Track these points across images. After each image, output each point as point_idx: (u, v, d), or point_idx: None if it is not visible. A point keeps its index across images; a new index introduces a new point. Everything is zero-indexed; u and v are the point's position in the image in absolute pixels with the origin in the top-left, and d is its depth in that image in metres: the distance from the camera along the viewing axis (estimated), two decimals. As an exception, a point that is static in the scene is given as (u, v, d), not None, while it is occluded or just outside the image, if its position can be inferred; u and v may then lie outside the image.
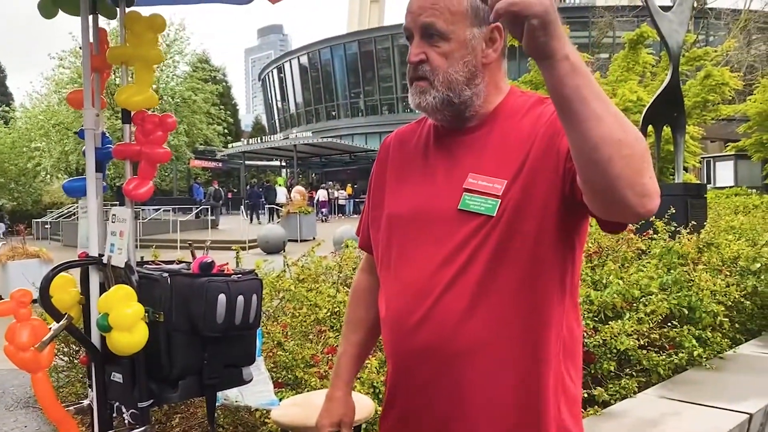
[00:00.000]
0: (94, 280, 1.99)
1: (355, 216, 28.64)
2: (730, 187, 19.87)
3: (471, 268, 1.22)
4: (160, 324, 1.86)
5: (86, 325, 2.05)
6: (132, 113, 1.96)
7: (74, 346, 4.09)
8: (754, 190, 18.46)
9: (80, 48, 2.03)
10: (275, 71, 48.93)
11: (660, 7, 7.85)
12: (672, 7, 7.87)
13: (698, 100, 13.01)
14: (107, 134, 2.12)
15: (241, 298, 1.91)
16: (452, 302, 1.22)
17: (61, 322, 1.89)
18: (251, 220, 25.77)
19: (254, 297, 1.96)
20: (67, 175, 29.46)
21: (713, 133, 24.79)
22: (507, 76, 1.36)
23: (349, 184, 32.95)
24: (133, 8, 2.10)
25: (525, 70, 15.95)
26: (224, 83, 45.20)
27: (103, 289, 1.99)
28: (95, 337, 1.98)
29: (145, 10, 2.04)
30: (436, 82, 1.25)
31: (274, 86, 49.56)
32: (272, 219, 25.70)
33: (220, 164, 40.27)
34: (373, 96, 40.58)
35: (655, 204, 0.99)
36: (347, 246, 5.55)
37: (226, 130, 34.53)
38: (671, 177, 9.24)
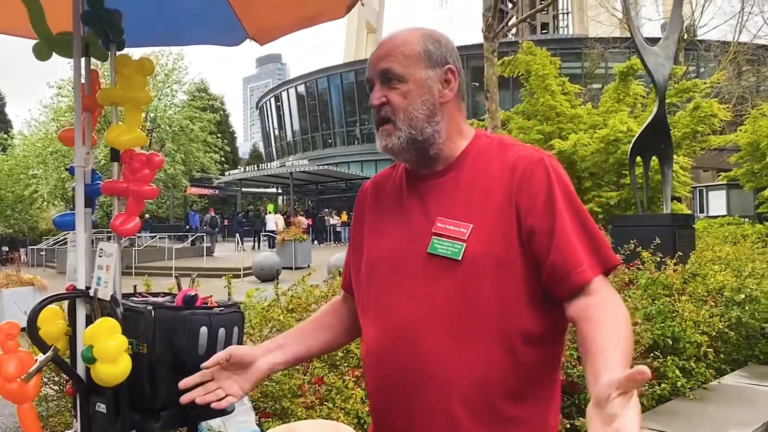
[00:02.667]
0: (81, 312, 2.04)
1: (351, 243, 28.64)
2: (723, 216, 20.00)
3: (443, 310, 1.26)
4: (144, 356, 1.91)
5: (72, 357, 2.10)
6: (120, 152, 2.04)
7: (64, 376, 4.12)
8: (747, 219, 18.57)
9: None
10: (273, 100, 49.38)
11: (650, 38, 8.05)
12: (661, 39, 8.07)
13: (688, 131, 13.19)
14: (97, 171, 2.20)
15: (222, 330, 1.97)
16: (428, 344, 1.26)
17: (47, 354, 1.94)
18: (237, 246, 26.04)
19: (235, 329, 2.02)
20: (64, 202, 29.55)
21: (706, 163, 25.05)
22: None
23: (344, 211, 33.07)
24: (125, 50, 2.20)
25: (518, 100, 16.17)
26: (222, 111, 45.54)
27: (89, 321, 2.04)
28: (81, 368, 2.02)
29: (136, 50, 2.13)
30: (399, 122, 1.33)
31: (271, 114, 49.96)
32: (258, 246, 25.77)
33: (217, 191, 40.43)
34: (368, 124, 40.89)
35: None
36: (339, 273, 5.58)
37: (222, 158, 34.73)
38: (661, 207, 9.35)
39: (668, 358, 4.10)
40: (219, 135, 34.73)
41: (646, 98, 14.47)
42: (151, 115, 29.89)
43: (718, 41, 26.88)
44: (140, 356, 1.91)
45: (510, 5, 49.06)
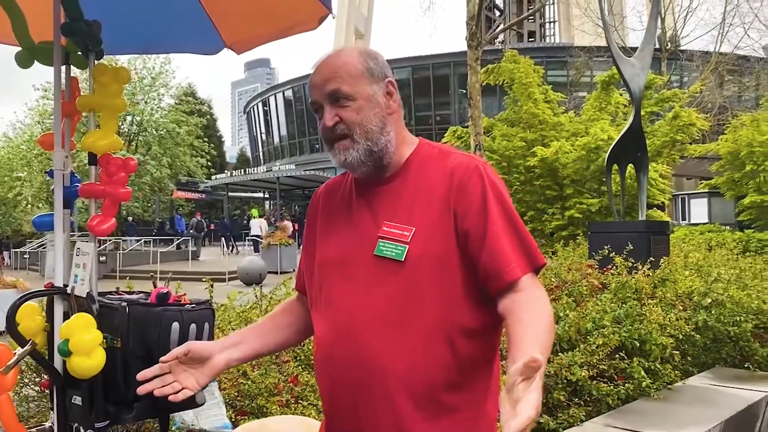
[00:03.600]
0: (59, 308, 2.13)
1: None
2: (704, 223, 20.29)
3: (388, 308, 1.36)
4: (118, 349, 2.01)
5: (50, 351, 2.19)
6: (98, 156, 2.14)
7: (45, 376, 4.17)
8: (727, 227, 18.86)
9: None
10: (260, 104, 49.40)
11: (634, 48, 8.23)
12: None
13: (667, 140, 13.43)
14: (76, 174, 2.30)
15: (193, 326, 2.07)
16: (374, 340, 1.36)
17: (25, 348, 2.03)
18: (223, 250, 26.28)
19: (206, 325, 2.12)
20: (48, 205, 29.36)
21: (689, 171, 25.40)
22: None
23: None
24: (105, 57, 2.31)
25: (503, 108, 16.34)
26: (210, 116, 45.51)
27: (67, 317, 2.14)
28: (58, 363, 2.12)
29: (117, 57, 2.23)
30: (356, 136, 1.41)
31: (258, 119, 49.97)
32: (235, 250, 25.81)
33: (204, 195, 40.34)
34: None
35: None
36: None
37: (209, 162, 34.66)
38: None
39: (634, 359, 4.22)
40: (206, 139, 34.67)
41: (627, 107, 14.71)
42: (138, 118, 29.83)
43: (700, 51, 27.34)
44: (114, 350, 2.01)
45: (497, 13, 49.47)
